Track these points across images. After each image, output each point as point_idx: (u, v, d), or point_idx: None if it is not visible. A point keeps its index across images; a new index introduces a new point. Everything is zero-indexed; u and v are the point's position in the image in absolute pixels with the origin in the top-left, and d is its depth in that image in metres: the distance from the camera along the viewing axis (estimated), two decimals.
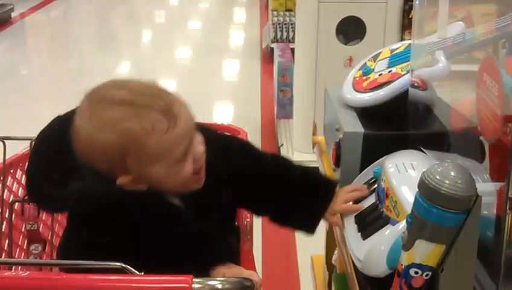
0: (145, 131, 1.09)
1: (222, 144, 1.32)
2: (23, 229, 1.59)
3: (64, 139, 1.16)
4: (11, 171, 1.56)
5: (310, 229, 1.32)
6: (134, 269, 1.02)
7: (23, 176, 1.59)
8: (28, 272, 1.09)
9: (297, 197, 1.31)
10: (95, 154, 1.12)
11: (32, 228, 1.57)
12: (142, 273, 1.03)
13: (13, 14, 7.14)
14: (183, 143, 1.13)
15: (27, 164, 1.24)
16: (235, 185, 1.29)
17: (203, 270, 1.11)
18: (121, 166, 1.12)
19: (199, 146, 1.16)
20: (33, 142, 1.58)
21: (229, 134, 1.40)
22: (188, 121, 1.14)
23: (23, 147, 1.60)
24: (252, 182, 1.31)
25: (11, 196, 1.57)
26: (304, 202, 1.30)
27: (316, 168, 1.48)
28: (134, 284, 1.01)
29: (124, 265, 1.03)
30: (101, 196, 1.15)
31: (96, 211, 1.15)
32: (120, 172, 1.13)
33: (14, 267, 1.49)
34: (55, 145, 1.22)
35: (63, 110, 1.30)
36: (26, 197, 1.57)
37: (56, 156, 1.20)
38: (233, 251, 1.26)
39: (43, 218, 1.62)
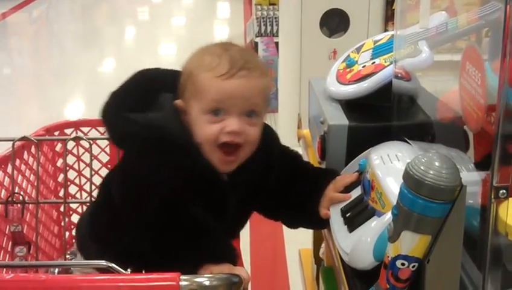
0: (207, 65, 1.19)
1: (279, 146, 1.38)
2: (7, 231, 1.57)
3: (160, 85, 1.26)
4: None
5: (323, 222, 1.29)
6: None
7: (6, 178, 1.58)
8: (12, 275, 1.07)
9: (311, 193, 1.30)
10: (182, 71, 1.24)
11: (16, 230, 1.56)
12: (129, 272, 1.02)
13: None
14: (222, 98, 1.17)
15: (117, 87, 1.27)
16: (275, 184, 1.31)
17: (193, 266, 1.10)
18: (183, 88, 1.22)
19: (237, 123, 1.18)
20: (15, 143, 1.57)
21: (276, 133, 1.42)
22: (246, 90, 1.18)
23: (5, 148, 1.59)
24: (290, 181, 1.32)
25: None
26: (318, 196, 1.28)
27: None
28: (121, 283, 1.00)
29: (110, 264, 1.02)
30: (168, 130, 1.19)
31: (156, 144, 1.18)
32: (181, 95, 1.23)
33: None
34: (149, 85, 1.27)
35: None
36: (9, 199, 1.56)
37: (146, 93, 1.25)
38: (230, 250, 1.23)
39: (27, 219, 1.61)
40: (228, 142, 1.19)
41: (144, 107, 1.22)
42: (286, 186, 1.32)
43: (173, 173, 1.16)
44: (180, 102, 1.22)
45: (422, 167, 0.85)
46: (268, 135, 1.32)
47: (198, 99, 1.19)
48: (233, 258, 1.17)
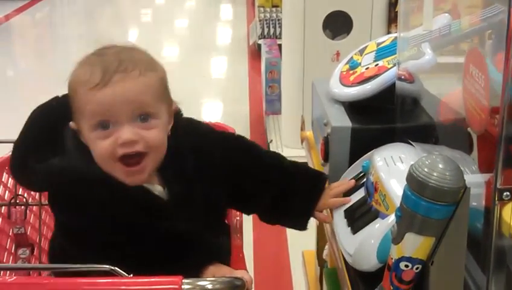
0: (81, 78, 1.12)
1: (217, 140, 1.30)
2: (10, 233, 1.57)
3: (58, 117, 1.17)
4: None
5: (302, 224, 1.30)
6: (122, 268, 1.01)
7: (9, 179, 1.58)
8: (14, 277, 1.07)
9: (289, 191, 1.28)
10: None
11: (19, 232, 1.55)
12: (131, 276, 1.02)
13: None
14: (103, 109, 1.10)
15: (19, 135, 1.22)
16: (229, 180, 1.26)
17: (193, 271, 1.10)
18: (72, 108, 1.15)
19: (128, 132, 1.10)
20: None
21: (224, 131, 1.38)
22: (126, 94, 1.10)
23: (9, 150, 1.59)
24: (246, 177, 1.29)
25: None
26: (296, 195, 1.28)
27: (305, 163, 1.48)
28: (123, 287, 1.00)
29: (112, 267, 1.02)
30: (77, 172, 1.13)
31: (72, 189, 1.13)
32: (73, 116, 1.15)
33: (2, 272, 1.47)
34: (48, 122, 1.20)
35: (27, 117, 1.27)
36: (12, 201, 1.56)
37: (46, 133, 1.18)
38: (223, 250, 1.24)
39: (31, 221, 1.61)
40: (127, 154, 1.11)
41: (49, 148, 1.15)
42: (250, 182, 1.28)
43: (100, 210, 1.12)
44: (73, 124, 1.15)
45: (425, 169, 0.84)
46: (194, 129, 1.26)
47: (83, 117, 1.12)
48: (220, 254, 1.16)
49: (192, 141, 1.23)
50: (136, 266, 1.03)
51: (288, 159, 1.35)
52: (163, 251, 1.14)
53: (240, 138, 1.36)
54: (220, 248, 1.22)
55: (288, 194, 1.28)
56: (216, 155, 1.26)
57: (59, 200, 1.18)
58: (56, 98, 1.23)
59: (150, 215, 1.15)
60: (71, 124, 1.16)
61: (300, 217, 1.29)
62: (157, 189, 1.19)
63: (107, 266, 1.02)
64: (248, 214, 1.38)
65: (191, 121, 1.28)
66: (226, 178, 1.26)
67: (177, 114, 1.23)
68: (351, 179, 1.26)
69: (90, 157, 1.14)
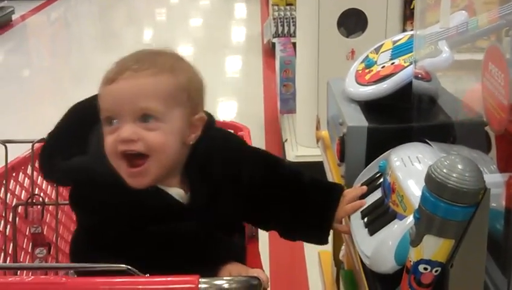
0: (104, 76, 1.15)
1: (247, 156, 1.29)
2: (27, 233, 1.58)
3: (92, 115, 1.17)
4: (14, 174, 1.56)
5: (323, 238, 1.28)
6: (140, 268, 1.01)
7: (26, 179, 1.59)
8: (32, 277, 1.08)
9: (306, 205, 1.27)
10: None
11: (36, 231, 1.57)
12: (148, 275, 1.02)
13: (14, 17, 7.15)
14: (109, 105, 1.11)
15: (53, 128, 1.25)
16: (252, 195, 1.26)
17: (210, 270, 1.10)
18: None
19: (126, 130, 1.09)
20: (34, 145, 1.58)
21: (255, 147, 1.36)
22: (131, 92, 1.10)
23: (25, 150, 1.60)
24: (269, 192, 1.28)
25: (14, 200, 1.57)
26: (313, 209, 1.26)
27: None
28: (140, 286, 1.00)
29: (129, 267, 1.02)
30: (93, 172, 1.14)
31: (88, 189, 1.14)
32: None
33: (19, 271, 1.48)
34: (81, 120, 1.22)
35: (65, 111, 1.29)
36: (29, 200, 1.57)
37: (79, 130, 1.20)
38: (239, 249, 1.24)
39: (47, 221, 1.62)
40: (127, 152, 1.10)
41: (78, 146, 1.17)
42: (269, 197, 1.27)
43: (114, 212, 1.12)
44: None
45: (444, 170, 0.83)
46: (226, 143, 1.26)
47: (100, 113, 1.14)
48: (236, 252, 1.16)
49: (223, 153, 1.23)
50: (153, 267, 1.03)
51: (307, 174, 1.33)
52: (180, 251, 1.14)
53: (268, 155, 1.35)
54: (236, 247, 1.22)
55: (305, 208, 1.27)
56: (244, 170, 1.26)
57: (77, 199, 1.18)
58: (92, 98, 1.22)
59: (166, 217, 1.15)
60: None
61: (319, 230, 1.27)
62: (177, 192, 1.18)
63: (124, 266, 1.02)
64: (267, 230, 1.37)
65: (224, 133, 1.30)
66: (249, 192, 1.26)
67: (209, 125, 1.23)
68: (367, 179, 1.25)
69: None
